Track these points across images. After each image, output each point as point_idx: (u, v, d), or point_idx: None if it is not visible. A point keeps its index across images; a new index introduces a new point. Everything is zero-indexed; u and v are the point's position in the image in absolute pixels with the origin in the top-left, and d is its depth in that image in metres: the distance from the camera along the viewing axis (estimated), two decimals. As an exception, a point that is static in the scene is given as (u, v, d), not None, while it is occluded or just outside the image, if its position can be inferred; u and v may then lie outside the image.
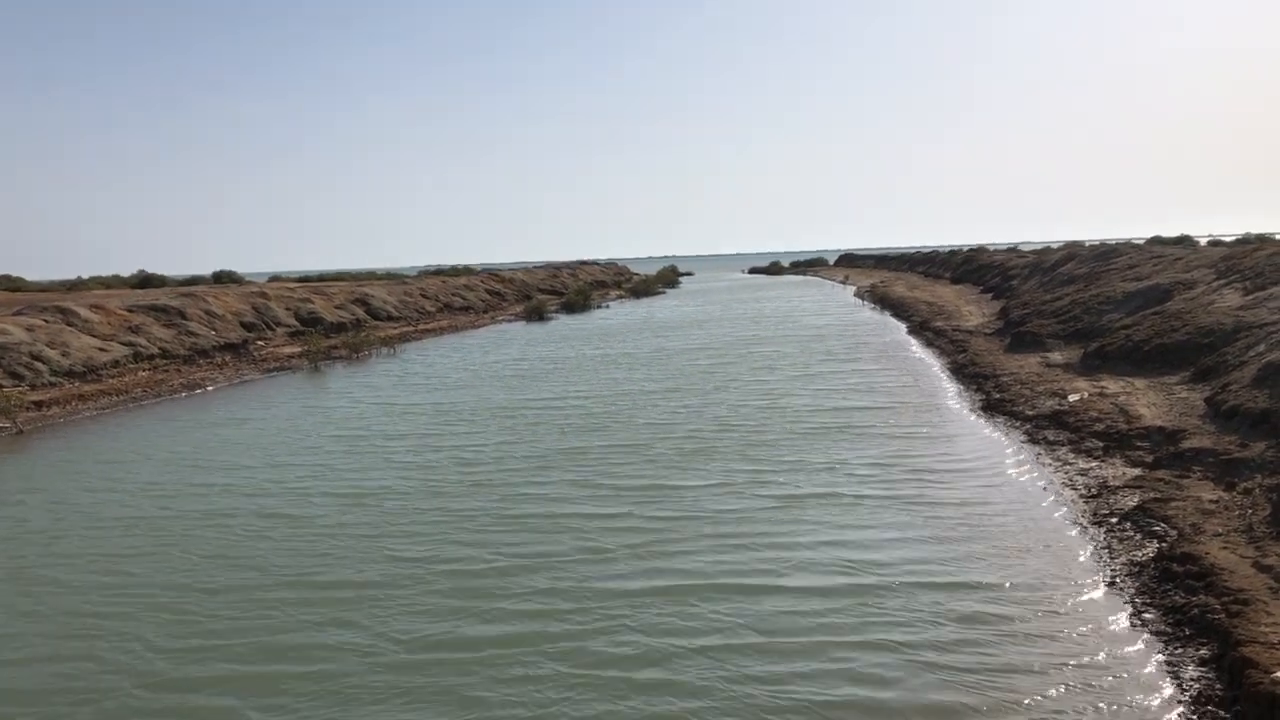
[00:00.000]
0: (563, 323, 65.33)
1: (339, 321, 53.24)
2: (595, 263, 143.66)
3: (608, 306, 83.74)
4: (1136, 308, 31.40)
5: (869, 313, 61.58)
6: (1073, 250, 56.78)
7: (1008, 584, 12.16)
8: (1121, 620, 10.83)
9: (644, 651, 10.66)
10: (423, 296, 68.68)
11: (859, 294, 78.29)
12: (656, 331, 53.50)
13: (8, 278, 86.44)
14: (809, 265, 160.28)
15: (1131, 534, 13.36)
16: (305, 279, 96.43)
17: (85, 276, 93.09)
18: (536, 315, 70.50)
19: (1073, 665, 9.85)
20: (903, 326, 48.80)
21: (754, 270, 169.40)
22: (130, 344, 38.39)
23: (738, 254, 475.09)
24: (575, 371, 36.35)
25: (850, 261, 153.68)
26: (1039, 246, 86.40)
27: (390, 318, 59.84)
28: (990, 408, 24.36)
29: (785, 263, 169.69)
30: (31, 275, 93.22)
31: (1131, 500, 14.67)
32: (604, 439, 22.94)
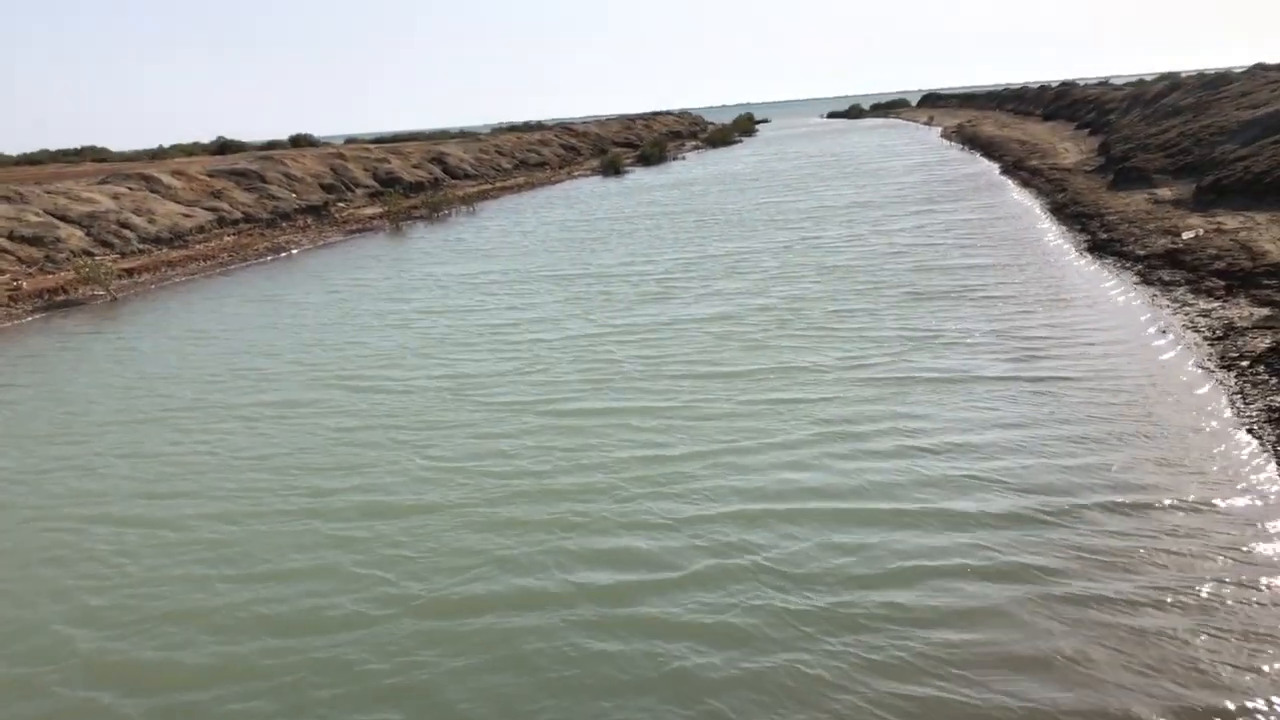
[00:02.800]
0: (638, 177, 64.00)
1: (417, 181, 52.84)
2: (669, 113, 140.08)
3: (684, 158, 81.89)
4: (1254, 137, 29.32)
5: (956, 153, 59.23)
6: (1174, 80, 53.29)
7: (1147, 459, 11.15)
8: (1267, 468, 10.19)
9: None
10: (498, 154, 67.82)
11: (945, 134, 75.36)
12: (737, 185, 52.15)
13: (93, 148, 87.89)
14: (890, 108, 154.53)
15: (1266, 378, 12.52)
16: (380, 140, 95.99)
17: (167, 145, 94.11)
18: (612, 169, 69.24)
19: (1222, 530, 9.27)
20: (995, 167, 46.75)
21: (833, 115, 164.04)
22: (214, 209, 38.53)
23: (814, 99, 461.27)
24: (642, 233, 35.57)
25: (934, 102, 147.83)
26: (1132, 80, 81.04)
27: (467, 176, 59.29)
28: (1097, 248, 23.12)
29: (865, 105, 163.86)
30: (116, 145, 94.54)
31: (1263, 342, 13.74)
32: (674, 309, 22.28)
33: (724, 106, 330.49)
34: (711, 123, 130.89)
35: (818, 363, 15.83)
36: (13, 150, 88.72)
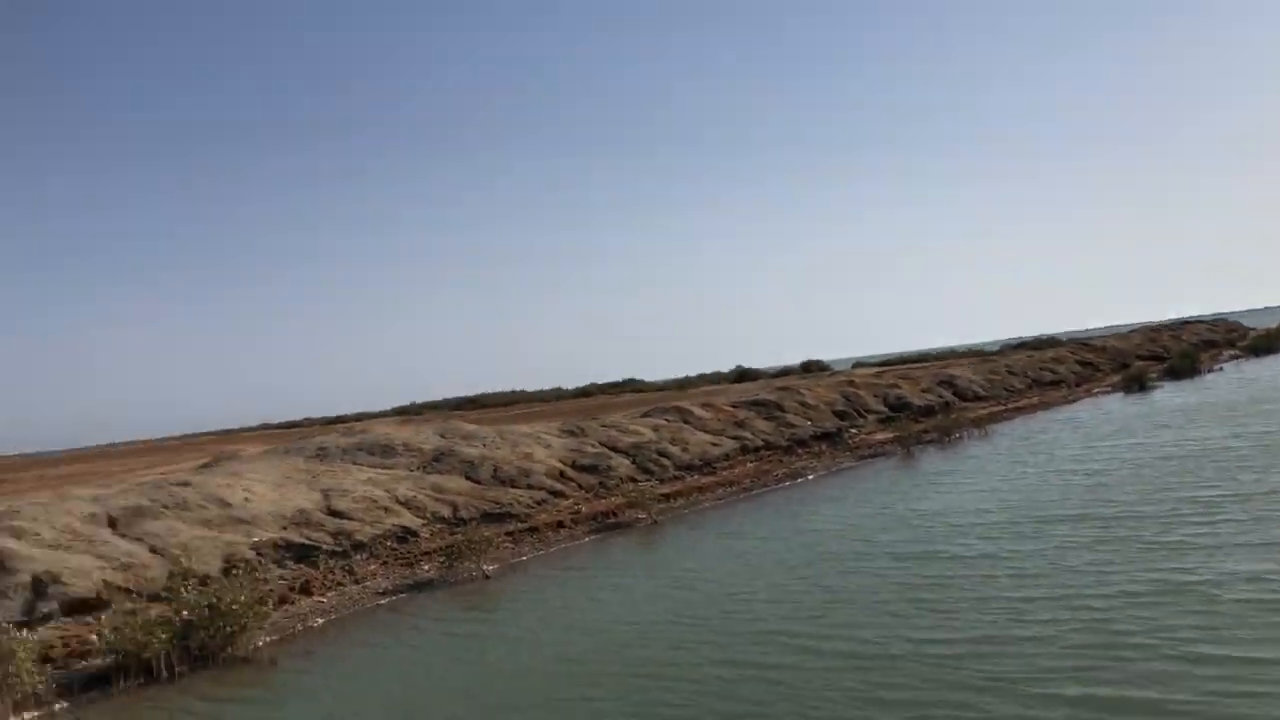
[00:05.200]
0: (1164, 394, 58.82)
1: (926, 405, 53.20)
2: (1200, 321, 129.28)
3: (1220, 369, 74.61)
4: None
5: None
6: None
7: None
8: None
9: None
10: (1009, 374, 66.50)
11: None
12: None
13: (632, 381, 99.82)
14: None
15: None
16: (886, 362, 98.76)
17: (692, 374, 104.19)
18: (1136, 385, 64.67)
19: None
20: None
21: None
22: (737, 437, 41.57)
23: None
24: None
25: None
26: None
27: (977, 397, 58.60)
28: None
29: None
30: (649, 376, 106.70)
31: None
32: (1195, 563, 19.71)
33: (1268, 309, 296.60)
34: (1251, 328, 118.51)
35: None
36: (571, 385, 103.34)
